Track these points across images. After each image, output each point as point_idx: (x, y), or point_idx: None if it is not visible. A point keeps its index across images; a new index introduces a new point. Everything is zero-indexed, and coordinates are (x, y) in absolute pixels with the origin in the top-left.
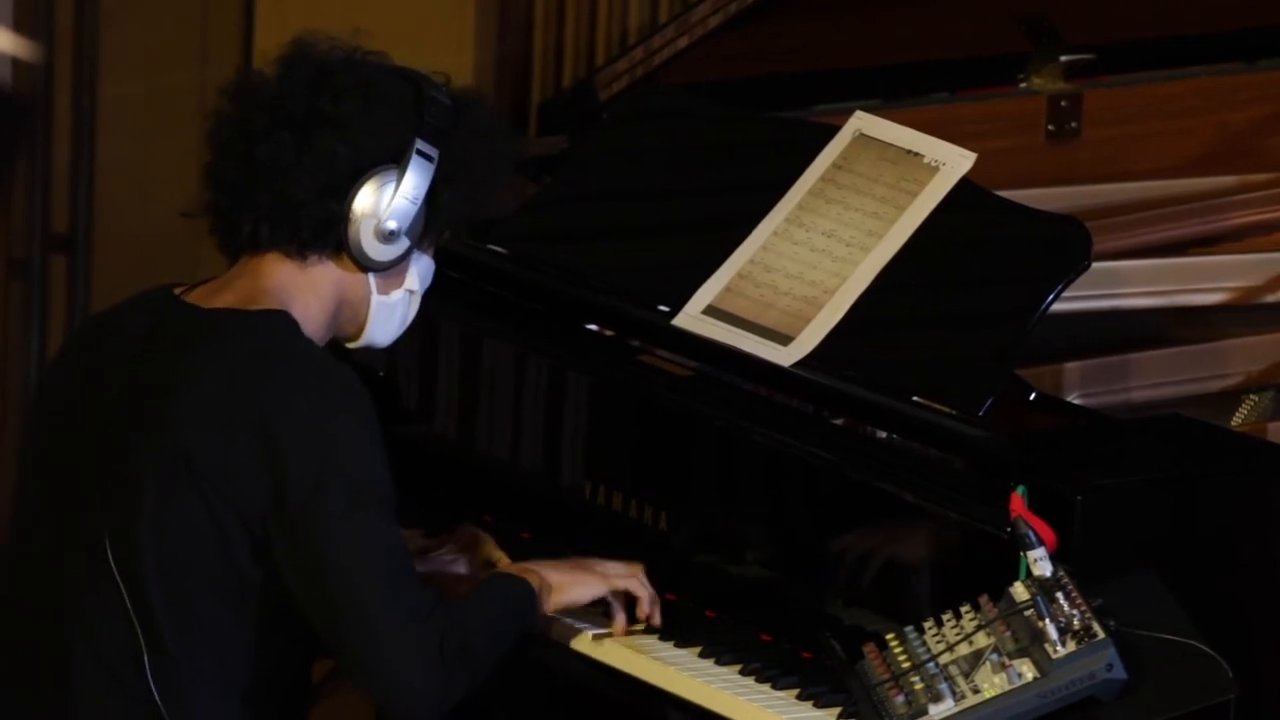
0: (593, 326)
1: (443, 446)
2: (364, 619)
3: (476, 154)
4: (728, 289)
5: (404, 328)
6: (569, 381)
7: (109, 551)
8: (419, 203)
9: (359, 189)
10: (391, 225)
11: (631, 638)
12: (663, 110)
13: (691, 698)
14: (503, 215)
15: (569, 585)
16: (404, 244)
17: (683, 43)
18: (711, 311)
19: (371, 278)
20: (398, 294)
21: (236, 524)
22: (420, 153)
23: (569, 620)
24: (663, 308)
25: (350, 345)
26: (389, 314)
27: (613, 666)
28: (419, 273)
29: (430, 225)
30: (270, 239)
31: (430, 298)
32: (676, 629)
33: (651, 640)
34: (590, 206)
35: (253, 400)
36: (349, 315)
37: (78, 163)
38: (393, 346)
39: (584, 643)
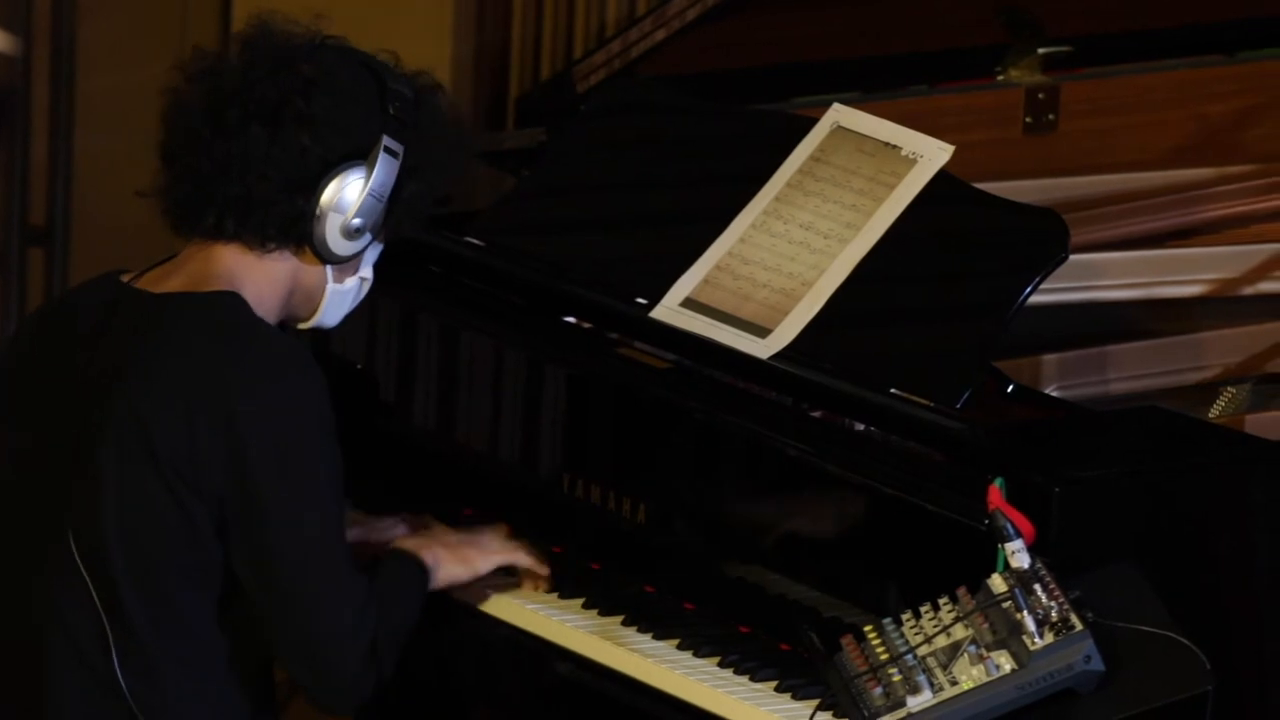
0: (571, 319)
1: (421, 439)
2: (314, 603)
3: (437, 146)
4: (705, 281)
5: (350, 311)
6: (547, 374)
7: (72, 540)
8: (385, 199)
9: (326, 185)
10: (358, 222)
11: (609, 629)
12: (640, 103)
13: (670, 690)
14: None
15: (452, 563)
16: (366, 238)
17: (660, 35)
18: (689, 304)
19: (329, 268)
20: (351, 281)
21: (198, 504)
22: (387, 149)
23: (547, 611)
24: (641, 300)
25: (300, 327)
26: (341, 300)
27: (592, 659)
28: (371, 259)
29: (391, 218)
30: (235, 230)
31: (409, 290)
32: (655, 621)
33: (630, 632)
34: (568, 199)
35: (212, 382)
36: (302, 301)
37: (55, 156)
38: (371, 339)
39: (563, 636)
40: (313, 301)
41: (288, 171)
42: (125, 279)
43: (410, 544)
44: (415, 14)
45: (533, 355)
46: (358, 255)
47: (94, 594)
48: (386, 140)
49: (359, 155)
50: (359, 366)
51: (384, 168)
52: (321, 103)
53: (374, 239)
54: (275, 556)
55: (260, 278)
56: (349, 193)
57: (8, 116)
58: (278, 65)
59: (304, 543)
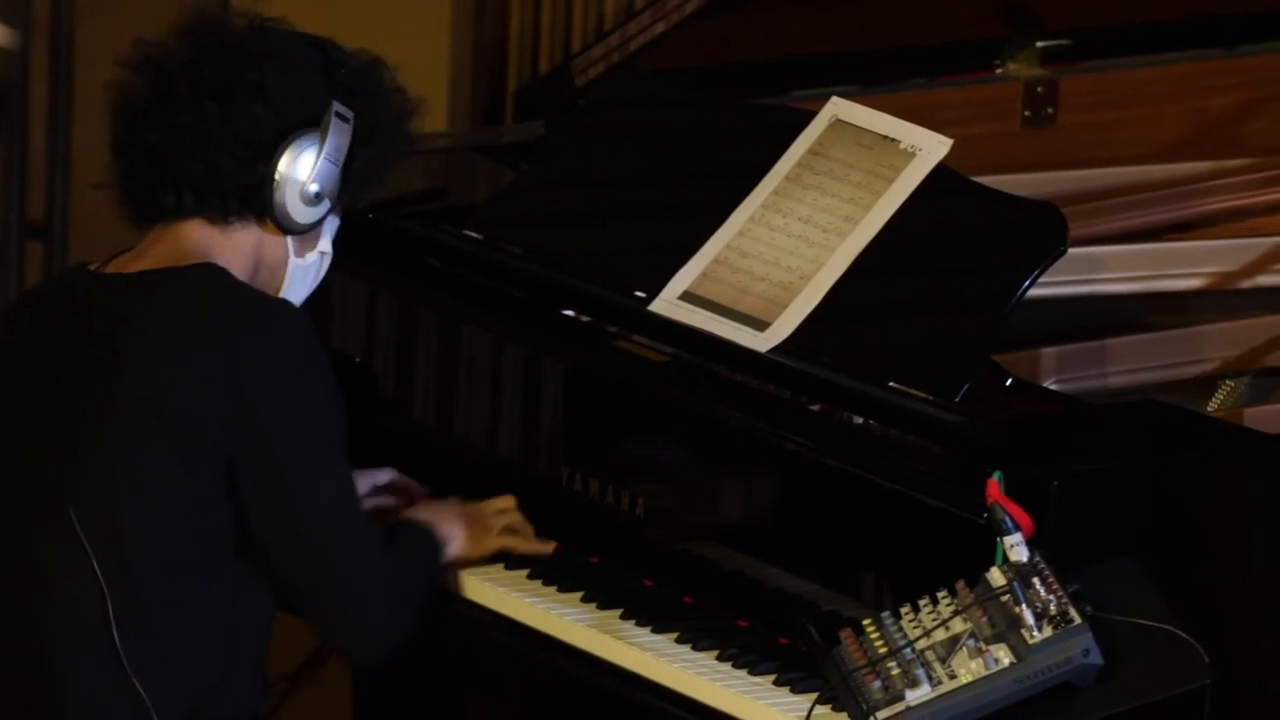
0: (569, 312)
1: (420, 433)
2: (337, 557)
3: (385, 114)
4: (704, 275)
5: (313, 289)
6: (546, 367)
7: (73, 515)
8: (339, 164)
9: (283, 153)
10: (315, 188)
11: (608, 623)
12: (639, 96)
13: (669, 683)
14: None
15: (464, 543)
16: (325, 206)
17: (659, 28)
18: (688, 297)
19: (290, 240)
20: (312, 256)
21: (206, 464)
22: (338, 114)
23: (546, 605)
24: (639, 293)
25: None
26: (304, 276)
27: (590, 653)
28: (329, 232)
29: (345, 187)
30: (195, 206)
31: (407, 284)
32: (654, 614)
33: (629, 626)
34: (567, 192)
35: (213, 346)
36: (266, 278)
37: (54, 150)
38: (369, 334)
39: (562, 629)
40: (276, 278)
41: (244, 142)
42: (93, 267)
43: (422, 515)
44: (414, 9)
45: (531, 349)
46: (317, 225)
47: (96, 567)
48: (337, 106)
49: (312, 123)
50: (357, 360)
51: (337, 133)
52: (270, 74)
53: (332, 208)
54: (297, 515)
55: (227, 252)
56: (305, 159)
57: (7, 111)
58: (222, 45)
59: (324, 497)
